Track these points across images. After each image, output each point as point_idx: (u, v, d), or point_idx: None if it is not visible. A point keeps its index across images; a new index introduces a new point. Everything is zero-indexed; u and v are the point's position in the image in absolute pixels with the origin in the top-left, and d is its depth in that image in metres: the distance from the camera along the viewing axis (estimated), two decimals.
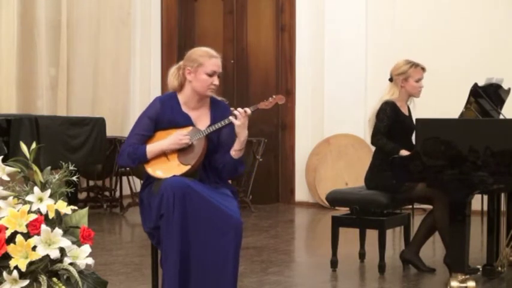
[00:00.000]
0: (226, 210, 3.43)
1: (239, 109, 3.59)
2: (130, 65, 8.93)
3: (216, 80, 3.64)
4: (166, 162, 3.59)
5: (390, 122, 4.71)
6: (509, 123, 4.15)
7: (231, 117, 3.57)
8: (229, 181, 3.92)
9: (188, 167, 3.56)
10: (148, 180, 3.65)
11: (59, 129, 6.47)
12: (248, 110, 3.58)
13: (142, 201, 3.65)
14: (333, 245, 4.80)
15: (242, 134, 3.60)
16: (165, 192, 3.41)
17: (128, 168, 7.78)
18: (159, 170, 3.58)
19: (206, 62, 3.62)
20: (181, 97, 3.72)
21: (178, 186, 3.40)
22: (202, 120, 3.70)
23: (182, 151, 3.59)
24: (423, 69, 4.86)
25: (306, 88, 8.46)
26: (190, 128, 3.63)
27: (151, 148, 3.60)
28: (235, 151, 3.63)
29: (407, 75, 4.81)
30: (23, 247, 2.48)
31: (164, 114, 3.66)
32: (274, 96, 3.74)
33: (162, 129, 3.65)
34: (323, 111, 8.29)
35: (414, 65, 4.84)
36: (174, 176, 3.50)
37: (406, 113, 4.88)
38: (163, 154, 3.61)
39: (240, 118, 3.56)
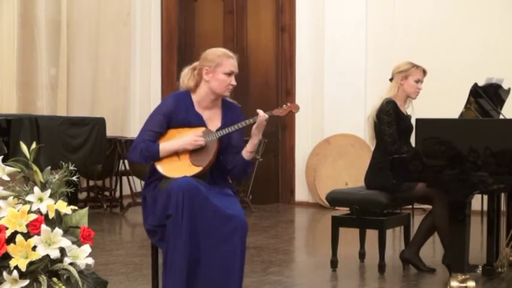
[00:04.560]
0: (231, 211, 3.43)
1: (261, 111, 3.62)
2: (131, 65, 8.94)
3: (233, 80, 3.66)
4: (178, 161, 3.59)
5: (396, 122, 4.72)
6: (509, 123, 4.15)
7: (251, 120, 3.60)
8: (229, 181, 3.92)
9: (200, 168, 3.56)
10: (152, 178, 3.65)
11: (59, 129, 6.48)
12: (267, 116, 3.63)
13: (145, 198, 3.65)
14: (333, 245, 4.79)
15: (257, 136, 3.64)
16: (173, 192, 3.39)
17: (128, 168, 7.79)
18: (170, 169, 3.57)
19: (224, 62, 3.64)
20: (195, 96, 3.71)
21: (187, 187, 3.40)
22: (213, 121, 3.70)
23: (194, 152, 3.59)
24: (424, 71, 4.87)
25: (306, 88, 8.47)
26: (204, 129, 3.63)
27: (165, 147, 3.59)
28: (248, 152, 3.66)
29: (407, 73, 4.83)
30: (23, 247, 2.48)
31: (178, 112, 3.65)
32: (288, 104, 3.75)
33: (174, 128, 3.65)
34: (323, 111, 8.29)
35: (415, 65, 4.87)
36: (184, 176, 3.50)
37: (405, 113, 4.89)
38: (175, 153, 3.60)
39: (261, 121, 3.60)
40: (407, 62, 4.89)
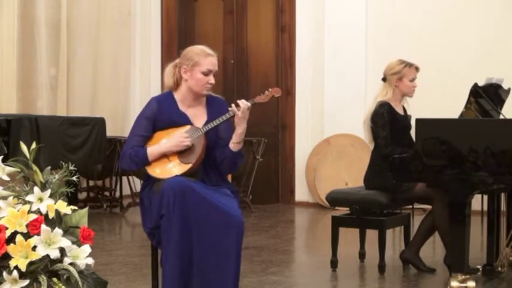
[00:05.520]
0: (227, 210, 3.43)
1: (243, 100, 3.59)
2: (130, 65, 8.93)
3: (211, 79, 3.63)
4: (167, 162, 3.59)
5: (390, 125, 4.71)
6: (509, 123, 4.14)
7: (233, 108, 3.57)
8: (230, 181, 3.92)
9: (189, 165, 3.56)
10: (148, 181, 3.65)
11: (59, 129, 6.47)
12: (249, 104, 3.59)
13: (143, 201, 3.65)
14: (333, 245, 4.79)
15: (241, 126, 3.61)
16: (165, 192, 3.40)
17: None
18: (160, 171, 3.58)
19: (202, 60, 3.61)
20: (177, 95, 3.71)
21: (179, 186, 3.40)
22: (199, 117, 3.69)
23: (182, 150, 3.59)
24: (417, 68, 4.86)
25: (306, 88, 8.47)
26: (189, 126, 3.63)
27: (152, 151, 3.59)
28: (234, 144, 3.63)
29: (401, 74, 4.81)
30: (23, 247, 2.48)
31: (162, 113, 3.65)
32: (270, 90, 3.73)
33: (160, 130, 3.65)
34: (323, 111, 8.29)
35: (408, 64, 4.83)
36: (176, 176, 3.50)
37: (401, 113, 4.88)
38: (164, 155, 3.60)
39: (243, 110, 3.56)
40: (398, 62, 4.85)
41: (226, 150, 3.65)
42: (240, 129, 3.62)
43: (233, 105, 3.60)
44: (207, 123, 3.64)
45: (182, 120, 3.65)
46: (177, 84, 3.71)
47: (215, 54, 3.69)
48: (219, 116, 3.62)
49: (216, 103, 3.76)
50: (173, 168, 3.56)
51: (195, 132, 3.60)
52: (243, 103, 3.58)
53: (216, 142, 3.67)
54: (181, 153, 3.59)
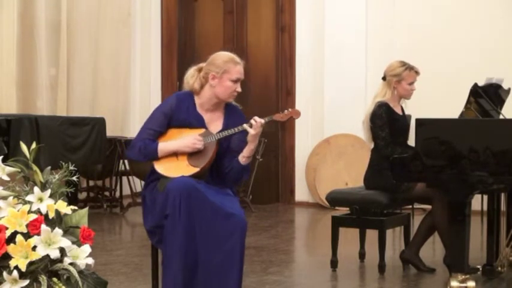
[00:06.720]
0: (231, 211, 3.43)
1: (256, 118, 3.59)
2: (130, 65, 8.93)
3: (239, 87, 3.67)
4: (176, 161, 3.60)
5: (388, 125, 4.71)
6: (509, 123, 4.14)
7: (245, 126, 3.57)
8: None
9: (197, 169, 3.57)
10: (151, 178, 3.65)
11: (59, 129, 6.47)
12: (263, 121, 3.58)
13: (145, 199, 3.65)
14: (333, 245, 4.80)
15: (253, 143, 3.61)
16: (170, 192, 3.40)
17: (127, 168, 7.79)
18: (167, 169, 3.58)
19: (232, 69, 3.64)
20: (197, 98, 3.70)
21: (185, 186, 3.40)
22: (215, 123, 3.70)
23: (192, 153, 3.59)
24: (417, 72, 4.85)
25: (306, 88, 8.47)
26: (203, 130, 3.63)
27: (163, 147, 3.60)
28: (244, 157, 3.63)
29: (400, 77, 4.80)
30: (23, 247, 2.48)
31: (179, 112, 3.65)
32: (290, 110, 3.73)
33: (174, 127, 3.65)
34: (323, 111, 8.29)
35: (409, 68, 4.82)
36: (181, 176, 3.50)
37: (400, 113, 4.88)
38: (174, 153, 3.61)
39: (255, 128, 3.57)
40: (399, 64, 4.83)
41: (234, 162, 3.65)
42: (252, 145, 3.62)
43: (252, 120, 3.58)
44: (221, 130, 3.64)
45: (197, 123, 3.66)
46: (201, 88, 3.70)
47: (242, 62, 3.73)
48: (235, 124, 3.63)
49: (233, 112, 3.76)
50: (180, 169, 3.56)
51: (209, 137, 3.60)
52: (257, 121, 3.57)
53: (227, 151, 3.67)
54: (191, 156, 3.60)
